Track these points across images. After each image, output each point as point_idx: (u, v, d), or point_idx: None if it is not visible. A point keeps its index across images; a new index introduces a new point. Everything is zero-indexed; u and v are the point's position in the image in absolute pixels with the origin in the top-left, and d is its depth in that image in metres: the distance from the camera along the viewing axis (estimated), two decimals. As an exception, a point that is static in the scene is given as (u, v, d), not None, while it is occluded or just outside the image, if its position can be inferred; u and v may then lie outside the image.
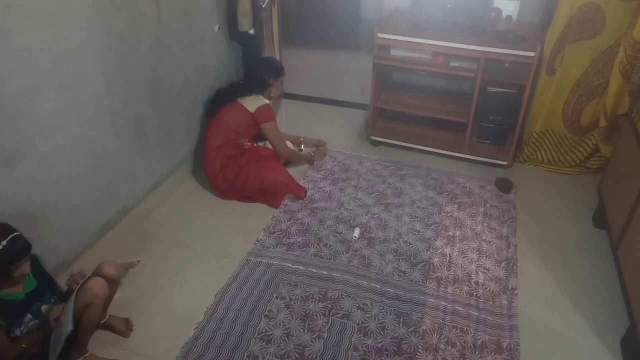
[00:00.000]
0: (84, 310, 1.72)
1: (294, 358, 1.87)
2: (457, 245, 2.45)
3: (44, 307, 1.76)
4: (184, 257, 2.36)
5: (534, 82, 2.79)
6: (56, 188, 2.06)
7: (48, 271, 1.86)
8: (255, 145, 2.90)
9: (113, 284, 1.88)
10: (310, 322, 2.02)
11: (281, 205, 2.72)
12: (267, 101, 2.81)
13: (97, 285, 1.75)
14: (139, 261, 1.93)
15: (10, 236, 1.59)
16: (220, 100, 2.82)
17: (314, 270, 2.28)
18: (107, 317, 1.95)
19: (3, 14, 1.67)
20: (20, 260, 1.62)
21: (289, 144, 3.08)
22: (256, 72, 2.88)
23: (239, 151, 2.77)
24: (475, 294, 2.17)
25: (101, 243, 2.36)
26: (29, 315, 1.72)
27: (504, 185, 2.90)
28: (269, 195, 2.72)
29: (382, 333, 1.98)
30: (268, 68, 2.87)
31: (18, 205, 1.89)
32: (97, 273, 1.82)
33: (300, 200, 2.76)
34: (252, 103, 2.76)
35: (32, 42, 1.81)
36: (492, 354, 1.90)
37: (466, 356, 1.89)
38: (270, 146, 2.94)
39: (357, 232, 2.51)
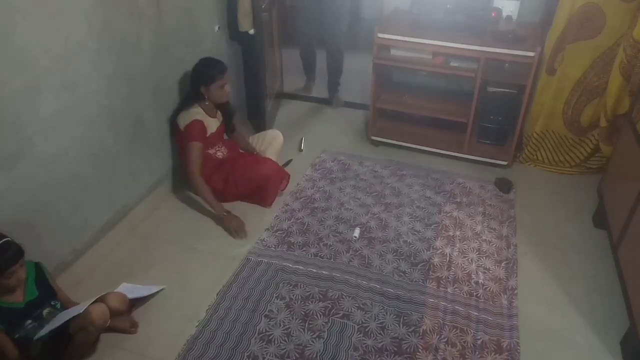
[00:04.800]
0: (76, 332, 1.70)
1: (294, 358, 1.87)
2: (457, 245, 2.45)
3: (45, 311, 1.75)
4: (185, 257, 2.36)
5: (534, 82, 2.79)
6: (56, 188, 2.05)
7: (52, 283, 1.83)
8: (231, 148, 2.78)
9: (120, 316, 1.87)
10: (310, 322, 2.02)
11: (274, 204, 2.73)
12: (197, 116, 2.51)
13: (96, 312, 1.69)
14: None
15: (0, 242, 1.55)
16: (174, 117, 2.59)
17: (314, 270, 2.28)
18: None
19: (3, 13, 1.67)
20: (13, 266, 1.58)
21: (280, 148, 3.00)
22: (190, 80, 2.57)
23: (216, 163, 2.67)
24: (475, 294, 2.17)
25: (101, 243, 2.35)
26: (29, 321, 1.70)
27: (504, 185, 2.90)
28: (260, 192, 2.69)
29: (382, 333, 1.98)
30: (195, 75, 2.53)
31: (18, 205, 1.88)
32: (102, 301, 1.78)
33: (283, 190, 2.79)
34: (183, 120, 2.52)
35: (32, 42, 1.80)
36: (492, 354, 1.91)
37: (466, 356, 1.89)
38: (263, 154, 2.90)
39: (357, 232, 2.51)
